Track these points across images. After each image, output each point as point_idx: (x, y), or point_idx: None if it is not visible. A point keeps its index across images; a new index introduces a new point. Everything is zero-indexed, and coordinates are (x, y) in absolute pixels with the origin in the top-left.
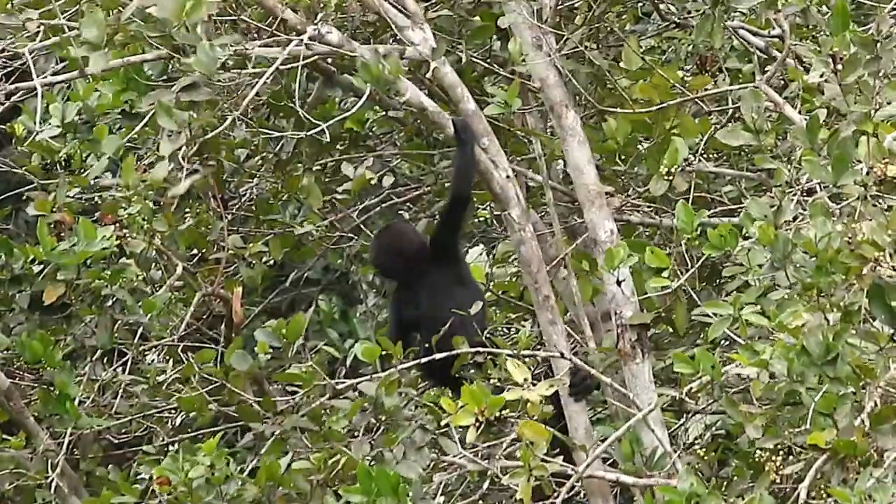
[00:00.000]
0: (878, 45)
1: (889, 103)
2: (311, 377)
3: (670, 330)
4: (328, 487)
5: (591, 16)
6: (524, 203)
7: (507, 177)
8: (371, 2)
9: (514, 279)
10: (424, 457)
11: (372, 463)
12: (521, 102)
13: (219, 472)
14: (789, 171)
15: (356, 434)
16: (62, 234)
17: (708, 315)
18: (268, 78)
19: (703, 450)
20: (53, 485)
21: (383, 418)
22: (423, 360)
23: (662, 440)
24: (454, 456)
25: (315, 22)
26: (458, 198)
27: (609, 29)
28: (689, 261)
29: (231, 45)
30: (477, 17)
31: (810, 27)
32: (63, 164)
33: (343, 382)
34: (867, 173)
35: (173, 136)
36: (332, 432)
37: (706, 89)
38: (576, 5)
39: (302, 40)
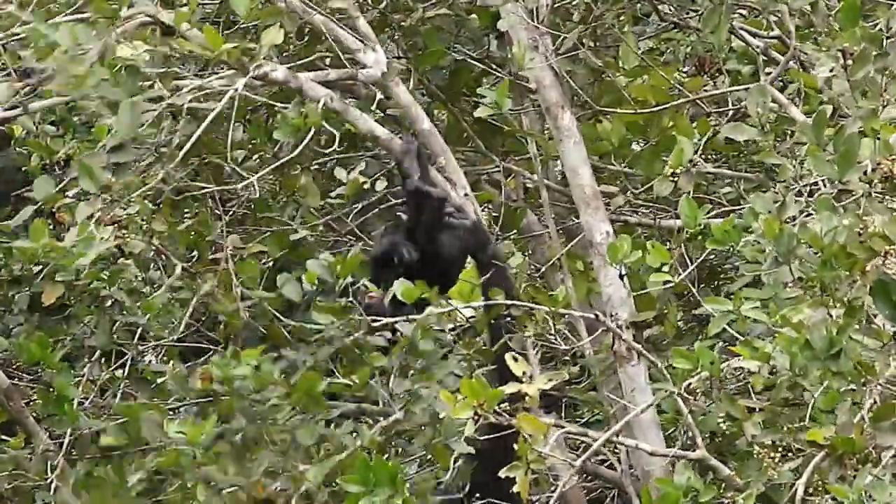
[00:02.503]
0: (887, 41)
1: None
2: (346, 312)
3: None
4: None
5: (590, 16)
6: (483, 221)
7: (466, 195)
8: (320, 27)
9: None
10: None
11: (408, 396)
12: (518, 103)
13: (264, 374)
14: (794, 167)
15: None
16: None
17: (704, 316)
18: (201, 131)
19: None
20: (53, 486)
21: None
22: (464, 306)
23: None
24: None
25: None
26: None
27: (606, 27)
28: (688, 261)
29: (165, 98)
30: (474, 15)
31: (811, 28)
32: (63, 163)
33: (380, 320)
34: (873, 170)
35: (91, 198)
36: (364, 371)
37: (705, 90)
38: (573, 3)
39: (236, 89)
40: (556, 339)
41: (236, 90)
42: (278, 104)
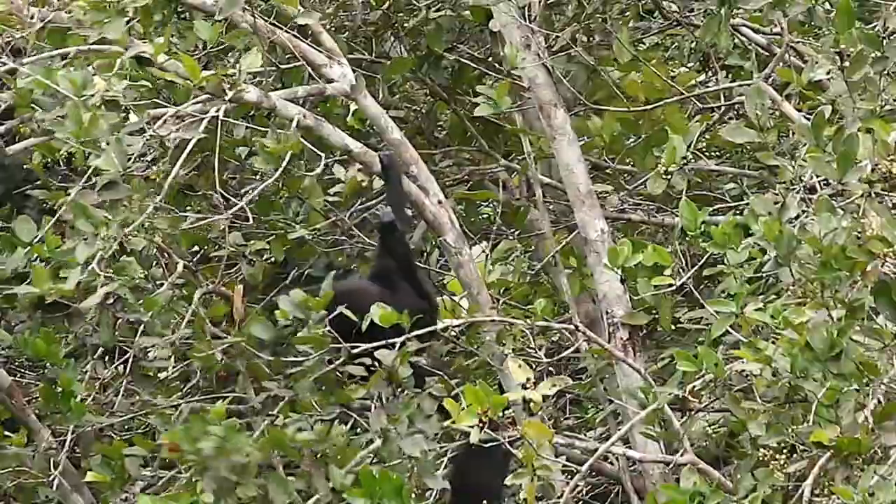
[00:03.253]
0: (885, 42)
1: (894, 100)
2: (325, 341)
3: (672, 328)
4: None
5: (583, 13)
6: (458, 227)
7: (439, 202)
8: (286, 43)
9: (514, 278)
10: (434, 425)
11: (379, 437)
12: (512, 101)
13: (230, 443)
14: (794, 168)
15: (368, 400)
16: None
17: (703, 316)
18: (183, 163)
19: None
20: (55, 483)
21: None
22: (436, 327)
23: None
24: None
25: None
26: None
27: (602, 21)
28: (686, 259)
29: (147, 131)
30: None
31: (811, 24)
32: (64, 162)
33: (358, 347)
34: (872, 170)
35: (90, 238)
36: (343, 396)
37: (706, 86)
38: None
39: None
40: (536, 352)
41: (216, 116)
42: (257, 127)
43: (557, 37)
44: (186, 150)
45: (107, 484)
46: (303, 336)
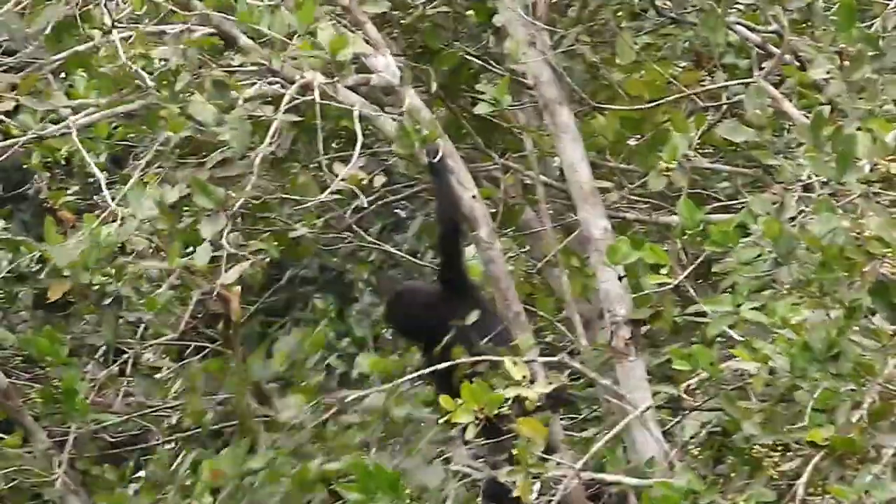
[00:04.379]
0: (882, 41)
1: (894, 101)
2: (316, 391)
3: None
4: None
5: (586, 11)
6: (491, 222)
7: (474, 197)
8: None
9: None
10: (437, 470)
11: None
12: (514, 99)
13: (279, 467)
14: (792, 167)
15: (367, 445)
16: (65, 232)
17: (703, 314)
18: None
19: (699, 448)
20: (59, 482)
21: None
22: (427, 369)
23: (659, 439)
24: (462, 466)
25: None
26: (449, 228)
27: (604, 23)
28: (685, 258)
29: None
30: (471, 11)
31: (808, 23)
32: (64, 162)
33: (350, 394)
34: (871, 170)
35: (212, 215)
36: (343, 447)
37: (702, 85)
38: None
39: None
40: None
41: (314, 99)
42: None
43: (563, 35)
44: (272, 129)
45: (105, 483)
46: (303, 388)
